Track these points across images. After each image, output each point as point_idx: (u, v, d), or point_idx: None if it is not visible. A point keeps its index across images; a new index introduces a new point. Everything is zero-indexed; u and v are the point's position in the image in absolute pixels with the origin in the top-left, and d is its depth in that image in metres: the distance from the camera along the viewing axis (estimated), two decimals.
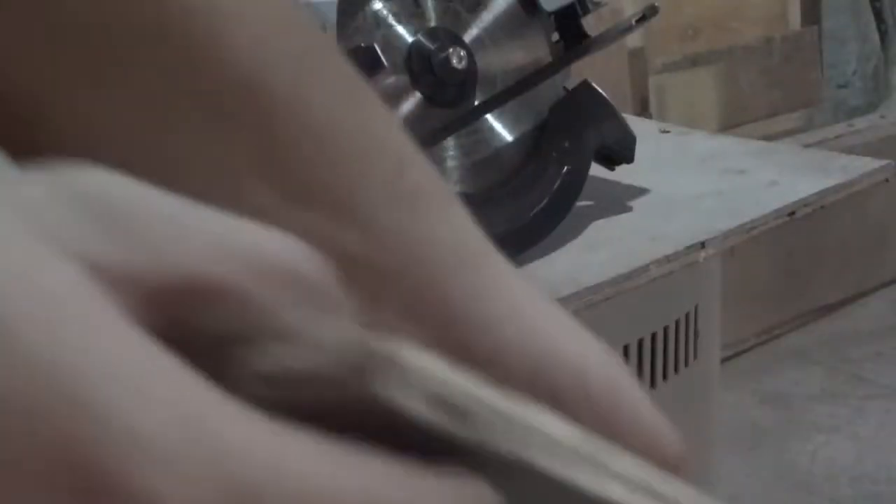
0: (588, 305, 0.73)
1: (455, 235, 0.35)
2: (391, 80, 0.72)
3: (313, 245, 0.31)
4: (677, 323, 0.89)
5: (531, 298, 0.35)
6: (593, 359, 0.35)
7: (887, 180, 0.91)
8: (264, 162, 0.32)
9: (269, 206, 0.32)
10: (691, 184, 0.90)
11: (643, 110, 2.27)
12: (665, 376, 0.89)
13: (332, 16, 0.66)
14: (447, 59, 0.72)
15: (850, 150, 1.65)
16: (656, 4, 0.78)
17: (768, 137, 2.08)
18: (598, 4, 0.79)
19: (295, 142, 0.33)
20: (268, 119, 0.32)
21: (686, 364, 0.90)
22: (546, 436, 0.24)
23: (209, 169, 0.32)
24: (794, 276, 2.37)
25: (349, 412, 0.22)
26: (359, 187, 0.33)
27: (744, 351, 2.30)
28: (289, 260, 0.24)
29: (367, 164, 0.33)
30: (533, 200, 0.77)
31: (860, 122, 2.55)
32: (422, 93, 0.73)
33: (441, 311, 0.33)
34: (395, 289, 0.33)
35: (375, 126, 0.34)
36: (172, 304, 0.21)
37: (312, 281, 0.24)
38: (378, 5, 0.71)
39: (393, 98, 0.72)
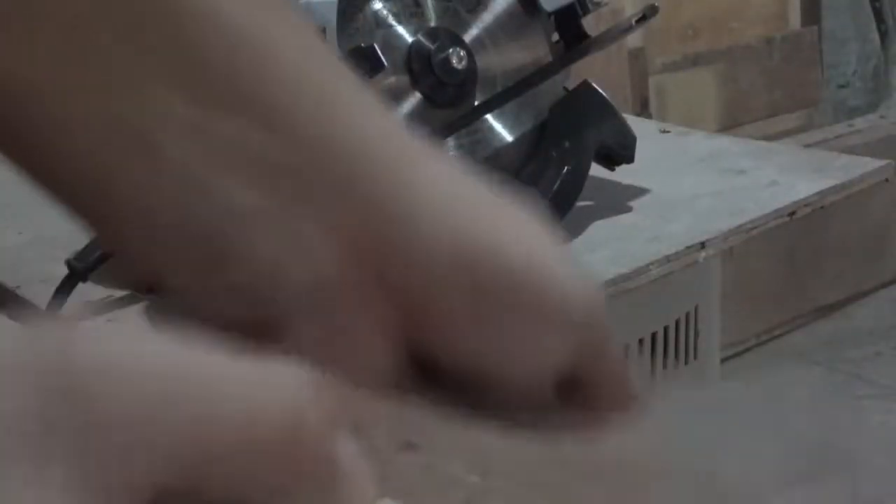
0: None
1: (377, 133, 0.34)
2: (391, 80, 0.72)
3: (236, 154, 0.31)
4: (677, 323, 0.89)
5: (462, 192, 0.34)
6: (520, 247, 0.34)
7: (887, 180, 0.91)
8: (182, 74, 0.32)
9: (193, 117, 0.31)
10: (691, 184, 0.90)
11: (643, 110, 2.27)
12: (665, 376, 0.89)
13: (332, 16, 0.66)
14: (447, 59, 0.72)
15: (850, 150, 1.64)
16: (656, 4, 0.78)
17: (768, 137, 2.08)
18: (598, 4, 0.79)
19: (208, 50, 0.32)
20: (179, 30, 0.32)
21: (686, 364, 0.90)
22: None
23: (130, 87, 0.32)
24: (794, 276, 2.37)
25: None
26: (277, 92, 0.32)
27: (744, 351, 2.30)
28: (282, 426, 0.23)
29: (283, 69, 0.33)
30: (533, 200, 0.77)
31: (860, 122, 2.55)
32: (422, 93, 0.73)
33: (363, 207, 0.33)
34: (319, 189, 0.32)
35: (291, 32, 0.34)
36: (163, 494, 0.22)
37: (306, 450, 0.24)
38: (378, 5, 0.71)
39: (393, 98, 0.72)
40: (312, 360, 0.28)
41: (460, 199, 0.34)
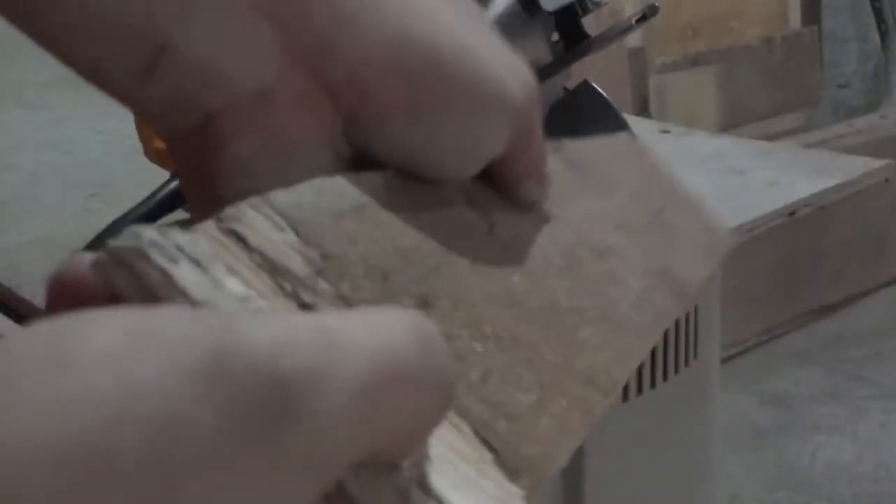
0: None
1: None
2: None
3: None
4: (677, 323, 0.89)
5: None
6: (454, 39, 0.35)
7: (887, 180, 0.91)
8: None
9: None
10: (691, 184, 0.91)
11: (643, 110, 2.27)
12: (665, 376, 0.89)
13: None
14: None
15: (850, 150, 1.64)
16: (656, 4, 0.78)
17: (768, 137, 2.08)
18: (598, 4, 0.79)
19: None
20: None
21: (686, 364, 0.90)
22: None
23: None
24: (794, 276, 2.37)
25: None
26: None
27: (744, 351, 2.30)
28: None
29: None
30: None
31: (860, 122, 2.55)
32: None
33: (303, 6, 0.33)
34: None
35: None
36: None
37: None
38: None
39: None
40: (256, 163, 0.32)
41: None
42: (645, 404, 0.88)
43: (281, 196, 0.30)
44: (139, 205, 0.81)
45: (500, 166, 0.38)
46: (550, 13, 0.79)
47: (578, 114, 0.80)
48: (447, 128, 0.35)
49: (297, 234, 0.29)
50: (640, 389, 0.87)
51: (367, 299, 0.30)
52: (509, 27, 0.78)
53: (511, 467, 0.29)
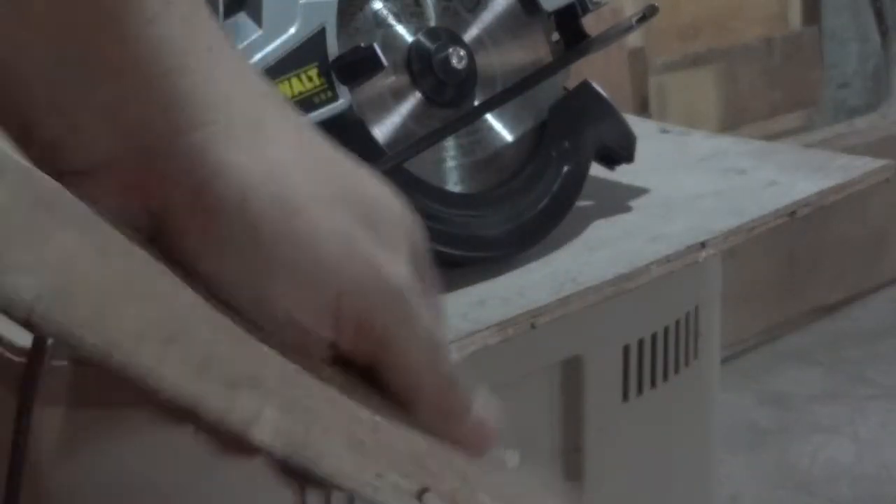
0: (588, 305, 0.73)
1: (177, 35, 0.35)
2: (391, 80, 0.72)
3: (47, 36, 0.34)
4: (677, 323, 0.89)
5: (242, 121, 0.35)
6: (277, 204, 0.35)
7: (887, 180, 0.91)
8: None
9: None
10: (691, 184, 0.90)
11: (643, 110, 2.27)
12: (665, 376, 0.89)
13: (332, 16, 0.66)
14: (447, 59, 0.72)
15: (850, 150, 1.64)
16: (656, 4, 0.77)
17: (768, 137, 2.08)
18: (598, 4, 0.79)
19: None
20: None
21: (686, 364, 0.90)
22: None
23: None
24: (794, 276, 2.37)
25: None
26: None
27: (744, 351, 2.30)
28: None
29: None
30: (533, 200, 0.76)
31: (860, 122, 2.55)
32: (422, 93, 0.73)
33: (140, 114, 0.35)
34: (104, 80, 0.35)
35: None
36: None
37: None
38: (378, 5, 0.71)
39: (393, 98, 0.72)
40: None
41: (235, 129, 0.35)
42: (645, 404, 0.88)
43: None
44: None
45: (380, 374, 0.37)
46: (550, 13, 0.79)
47: (578, 114, 0.80)
48: (240, 276, 0.36)
49: None
50: (640, 389, 0.87)
51: None
52: (509, 27, 0.78)
53: None
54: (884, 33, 2.69)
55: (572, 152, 0.79)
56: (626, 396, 0.87)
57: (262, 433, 0.34)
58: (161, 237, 0.36)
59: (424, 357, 0.37)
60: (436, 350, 0.37)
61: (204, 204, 0.35)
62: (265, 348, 0.36)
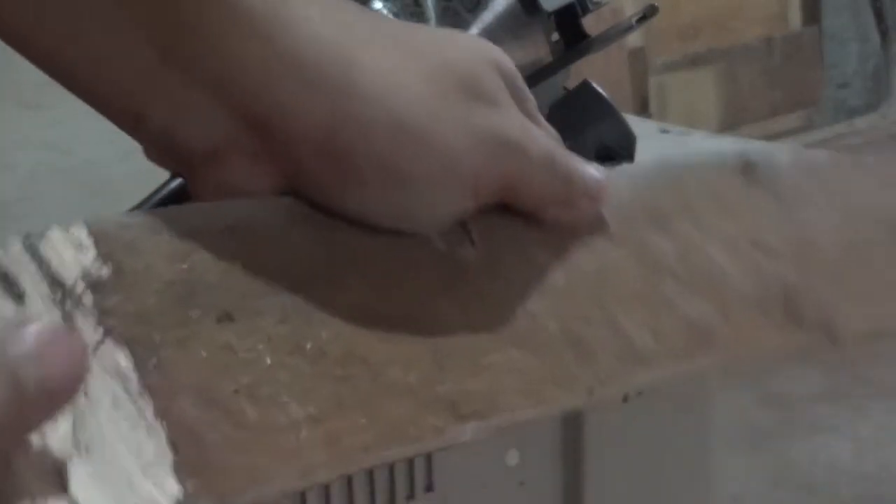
0: None
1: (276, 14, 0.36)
2: None
3: (148, 24, 0.36)
4: None
5: (338, 63, 0.37)
6: (382, 117, 0.36)
7: None
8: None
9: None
10: None
11: (643, 110, 2.27)
12: None
13: None
14: None
15: (850, 150, 1.64)
16: (656, 4, 0.78)
17: (768, 137, 2.08)
18: (598, 4, 0.79)
19: None
20: None
21: None
22: None
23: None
24: None
25: None
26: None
27: None
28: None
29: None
30: None
31: (860, 122, 2.55)
32: None
33: (249, 86, 0.36)
34: (213, 66, 0.36)
35: None
36: None
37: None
38: (378, 5, 0.71)
39: None
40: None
41: (332, 75, 0.36)
42: (645, 404, 0.88)
43: (105, 216, 0.34)
44: (139, 204, 0.81)
45: (511, 203, 0.41)
46: (550, 13, 0.79)
47: (578, 114, 0.80)
48: (384, 201, 0.37)
49: (97, 251, 0.32)
50: (639, 389, 0.87)
51: (150, 314, 0.32)
52: (509, 27, 0.78)
53: (185, 471, 0.30)
54: (884, 33, 2.70)
55: (572, 152, 0.79)
56: (625, 397, 0.87)
57: None
58: (301, 193, 0.37)
59: (545, 180, 0.42)
60: (551, 166, 0.42)
61: (331, 148, 0.36)
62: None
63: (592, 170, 0.46)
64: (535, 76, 0.81)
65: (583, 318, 0.40)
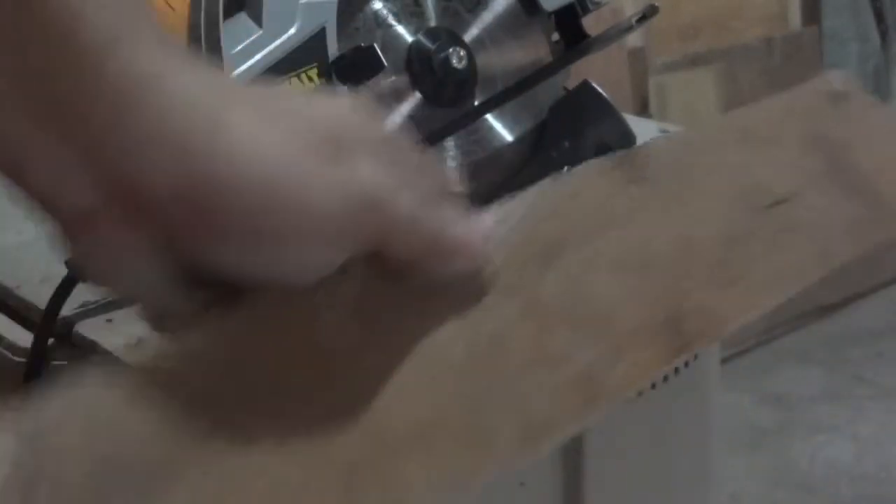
0: None
1: (146, 70, 0.37)
2: (391, 80, 0.72)
3: (20, 86, 0.36)
4: None
5: (205, 115, 0.37)
6: (253, 169, 0.38)
7: None
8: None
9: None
10: None
11: (643, 110, 2.27)
12: (665, 377, 0.89)
13: (332, 16, 0.66)
14: (447, 59, 0.72)
15: None
16: (656, 4, 0.78)
17: None
18: (598, 4, 0.79)
19: None
20: None
21: (686, 364, 0.90)
22: None
23: None
24: None
25: None
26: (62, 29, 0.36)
27: (744, 351, 2.30)
28: None
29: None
30: None
31: None
32: (422, 93, 0.73)
33: (118, 149, 0.37)
34: (84, 127, 0.37)
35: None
36: None
37: None
38: (378, 5, 0.71)
39: (393, 98, 0.72)
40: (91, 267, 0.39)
41: (197, 138, 0.37)
42: (645, 404, 0.88)
43: None
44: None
45: (385, 259, 0.42)
46: (550, 13, 0.79)
47: (578, 114, 0.80)
48: (254, 257, 0.38)
49: None
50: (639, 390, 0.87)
51: None
52: (509, 27, 0.78)
53: None
54: (884, 33, 2.70)
55: (572, 152, 0.79)
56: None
57: None
58: (176, 253, 0.38)
59: (412, 236, 0.42)
60: (418, 223, 0.42)
61: (200, 209, 0.37)
62: None
63: (467, 224, 0.44)
64: (535, 76, 0.81)
65: (484, 391, 0.40)
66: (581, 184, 0.49)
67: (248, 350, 0.39)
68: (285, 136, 0.38)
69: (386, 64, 0.66)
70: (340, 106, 0.42)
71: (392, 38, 0.72)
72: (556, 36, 0.81)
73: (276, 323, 0.40)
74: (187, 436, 0.35)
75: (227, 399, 0.37)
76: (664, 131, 1.05)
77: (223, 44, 0.62)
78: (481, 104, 0.75)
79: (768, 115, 0.55)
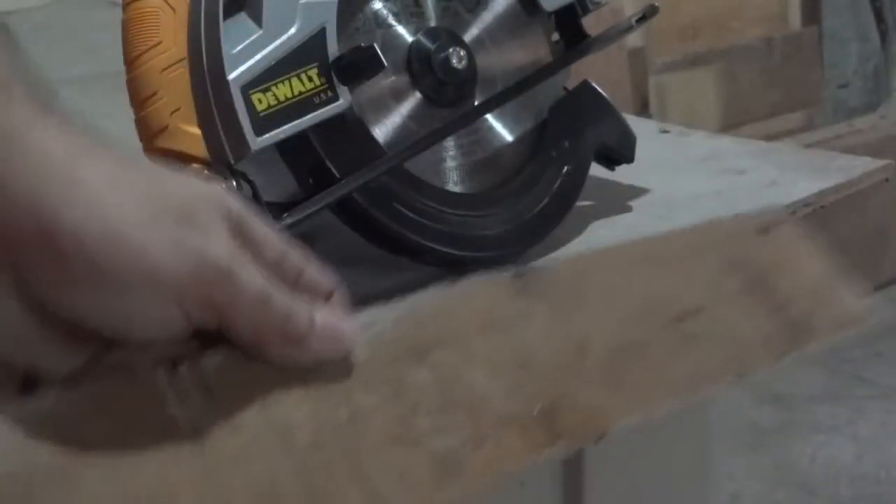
0: None
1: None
2: (391, 80, 0.72)
3: None
4: None
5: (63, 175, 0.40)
6: (94, 227, 0.41)
7: (887, 180, 0.91)
8: None
9: None
10: (691, 184, 0.90)
11: (643, 110, 2.27)
12: None
13: (332, 16, 0.66)
14: (447, 59, 0.72)
15: (850, 150, 1.64)
16: (656, 4, 0.77)
17: (768, 137, 2.08)
18: (598, 4, 0.79)
19: None
20: None
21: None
22: None
23: None
24: None
25: None
26: None
27: None
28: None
29: None
30: (533, 200, 0.76)
31: (860, 122, 2.55)
32: (422, 93, 0.73)
33: None
34: None
35: None
36: None
37: None
38: (378, 5, 0.71)
39: (393, 98, 0.72)
40: None
41: (52, 189, 0.40)
42: None
43: None
44: None
45: (231, 337, 0.44)
46: (550, 13, 0.79)
47: (578, 114, 0.80)
48: (96, 303, 0.41)
49: None
50: None
51: None
52: (509, 27, 0.78)
53: None
54: (884, 33, 2.70)
55: (572, 152, 0.79)
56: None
57: None
58: (33, 292, 0.41)
59: (258, 314, 0.44)
60: (266, 301, 0.44)
61: (50, 254, 0.40)
62: None
63: (329, 314, 0.46)
64: (535, 76, 0.81)
65: (327, 472, 0.41)
66: (469, 290, 0.50)
67: (97, 412, 0.41)
68: (136, 197, 0.41)
69: (386, 64, 0.66)
70: (202, 190, 0.45)
71: (392, 38, 0.72)
72: (556, 36, 0.81)
73: (128, 391, 0.42)
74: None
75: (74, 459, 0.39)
76: (664, 131, 1.05)
77: (223, 44, 0.62)
78: (481, 104, 0.75)
79: (686, 241, 0.57)
